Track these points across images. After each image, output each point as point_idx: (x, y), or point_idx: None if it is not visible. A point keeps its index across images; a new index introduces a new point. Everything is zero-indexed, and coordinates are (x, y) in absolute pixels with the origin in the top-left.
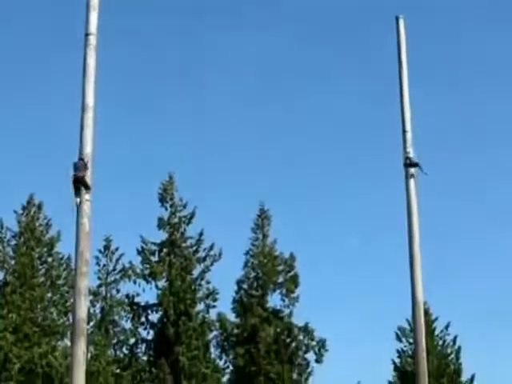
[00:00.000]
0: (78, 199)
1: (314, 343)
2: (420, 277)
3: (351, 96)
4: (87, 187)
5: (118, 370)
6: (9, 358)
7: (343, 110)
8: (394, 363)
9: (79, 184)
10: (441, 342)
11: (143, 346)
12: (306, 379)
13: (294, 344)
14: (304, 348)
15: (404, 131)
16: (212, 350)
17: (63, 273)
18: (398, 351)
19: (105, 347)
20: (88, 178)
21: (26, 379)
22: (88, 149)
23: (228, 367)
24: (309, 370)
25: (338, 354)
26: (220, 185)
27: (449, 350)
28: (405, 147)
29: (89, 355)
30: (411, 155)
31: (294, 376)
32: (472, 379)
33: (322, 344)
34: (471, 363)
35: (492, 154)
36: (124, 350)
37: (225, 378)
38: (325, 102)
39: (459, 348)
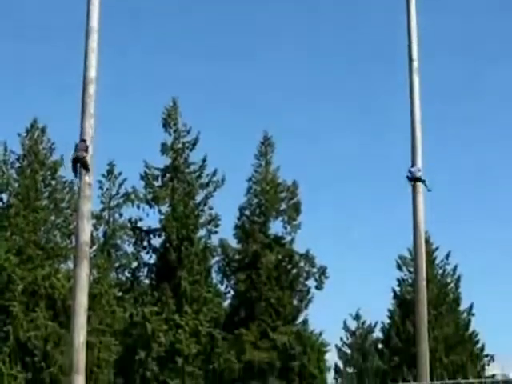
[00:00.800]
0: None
1: (314, 270)
2: (422, 205)
3: None
4: (87, 168)
5: (120, 293)
6: (12, 279)
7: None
8: (394, 292)
9: (79, 164)
10: (441, 272)
11: (145, 270)
12: (307, 305)
13: (294, 270)
14: (305, 275)
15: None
16: (213, 275)
17: (66, 196)
18: (398, 280)
19: (107, 270)
20: (88, 159)
21: (29, 300)
22: (92, 73)
23: (229, 292)
24: (309, 296)
25: (338, 281)
26: (224, 111)
27: (448, 279)
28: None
29: (91, 278)
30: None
31: (295, 302)
32: (471, 308)
33: (322, 271)
34: (470, 293)
35: None
36: (126, 273)
37: (226, 303)
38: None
39: (459, 277)
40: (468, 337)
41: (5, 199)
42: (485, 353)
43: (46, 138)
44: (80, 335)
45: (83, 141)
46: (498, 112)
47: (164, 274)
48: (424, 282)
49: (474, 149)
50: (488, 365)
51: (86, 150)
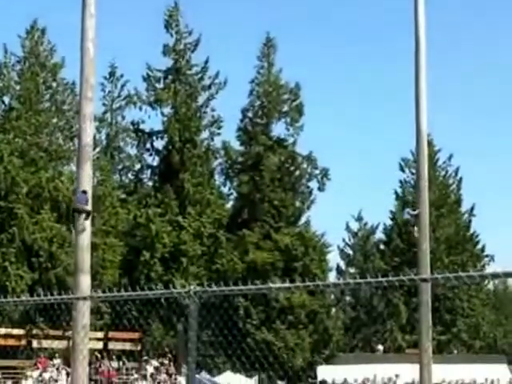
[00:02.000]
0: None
1: (317, 172)
2: (425, 107)
3: None
4: (87, 217)
5: (123, 196)
6: (16, 181)
7: None
8: (396, 193)
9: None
10: (443, 173)
11: (148, 172)
12: (309, 207)
13: (297, 172)
14: (307, 176)
15: None
16: (216, 177)
17: (68, 98)
18: (400, 181)
19: (110, 173)
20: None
21: (34, 203)
22: None
23: (232, 194)
24: (311, 198)
25: (341, 183)
26: (226, 12)
27: (450, 181)
28: None
29: (95, 180)
30: None
31: (297, 204)
32: (472, 209)
33: (324, 173)
34: (472, 194)
35: None
36: (129, 175)
37: (229, 205)
38: None
39: (461, 179)
40: (469, 237)
41: (6, 102)
42: (485, 253)
43: (46, 40)
44: (84, 236)
45: (84, 192)
46: None
47: (167, 176)
48: (426, 184)
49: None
50: (488, 265)
51: (87, 203)
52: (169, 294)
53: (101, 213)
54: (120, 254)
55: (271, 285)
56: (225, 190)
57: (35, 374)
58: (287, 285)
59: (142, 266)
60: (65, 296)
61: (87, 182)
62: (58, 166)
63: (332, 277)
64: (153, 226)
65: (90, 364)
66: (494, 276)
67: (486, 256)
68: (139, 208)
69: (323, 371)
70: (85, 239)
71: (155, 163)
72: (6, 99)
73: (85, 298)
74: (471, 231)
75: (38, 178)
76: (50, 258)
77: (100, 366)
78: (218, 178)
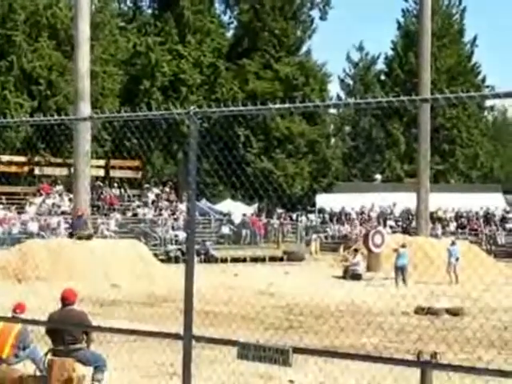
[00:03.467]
0: None
1: (318, 0)
2: None
3: None
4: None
5: (122, 23)
6: (13, 8)
7: None
8: (398, 23)
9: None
10: (446, 2)
11: (147, 0)
12: (310, 36)
13: (298, 0)
14: (309, 5)
15: None
16: (217, 5)
17: None
18: (402, 10)
19: (109, 0)
20: None
21: (32, 30)
22: None
23: (232, 23)
24: (313, 27)
25: (342, 13)
26: None
27: (454, 10)
28: None
29: (93, 8)
30: None
31: (298, 33)
32: (474, 39)
33: (326, 1)
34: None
35: None
36: (128, 3)
37: (229, 34)
38: None
39: (464, 8)
40: (470, 68)
41: None
42: (486, 84)
43: None
44: (84, 63)
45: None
46: None
47: (167, 3)
48: (429, 12)
49: None
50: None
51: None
52: (169, 115)
53: (99, 40)
54: (120, 82)
55: (271, 105)
56: (225, 18)
57: (38, 200)
58: (287, 105)
59: (142, 94)
60: (65, 117)
61: (86, 8)
62: None
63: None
64: (152, 55)
65: (91, 190)
66: (495, 96)
67: (487, 87)
68: (139, 36)
69: (322, 199)
70: (84, 66)
71: None
72: None
73: (85, 119)
74: (473, 62)
75: (35, 4)
76: (50, 85)
77: (102, 193)
78: (219, 7)
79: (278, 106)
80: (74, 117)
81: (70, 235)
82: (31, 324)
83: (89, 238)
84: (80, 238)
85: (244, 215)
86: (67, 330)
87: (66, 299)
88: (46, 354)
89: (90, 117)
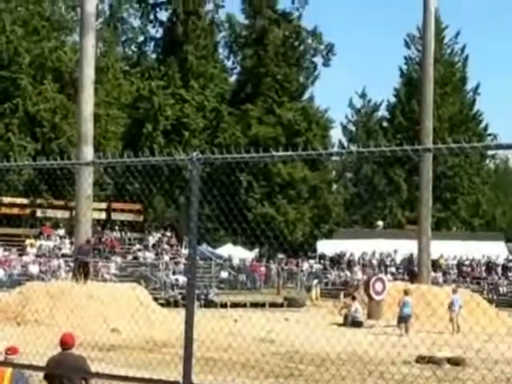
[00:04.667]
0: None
1: (322, 47)
2: None
3: None
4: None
5: (127, 68)
6: (19, 51)
7: None
8: (401, 70)
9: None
10: (449, 51)
11: (152, 45)
12: (313, 82)
13: (302, 47)
14: (312, 51)
15: None
16: (220, 50)
17: None
18: (405, 58)
19: (114, 44)
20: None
21: (37, 73)
22: None
23: (236, 68)
24: (316, 73)
25: (345, 59)
26: None
27: (456, 59)
28: None
29: (98, 52)
30: None
31: (301, 79)
32: (477, 88)
33: (329, 48)
34: (477, 73)
35: None
36: (133, 47)
37: (232, 79)
38: None
39: (467, 57)
40: (472, 116)
41: None
42: (488, 132)
43: None
44: (87, 107)
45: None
46: None
47: (170, 49)
48: (431, 60)
49: None
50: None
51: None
52: (171, 161)
53: (103, 84)
54: (123, 125)
55: (274, 153)
56: (228, 63)
57: (39, 242)
58: (290, 153)
59: (145, 138)
60: (68, 161)
61: (91, 52)
62: (61, 36)
63: None
64: (156, 99)
65: (92, 234)
66: (498, 147)
67: (489, 135)
68: (142, 80)
69: (323, 245)
70: (87, 109)
71: (159, 35)
72: None
73: (87, 163)
74: (475, 110)
75: (40, 47)
76: (53, 128)
77: (103, 236)
78: (222, 52)
79: (280, 153)
80: (76, 161)
81: (75, 259)
82: (25, 369)
83: (87, 268)
84: (79, 267)
85: (241, 260)
86: (66, 376)
87: (65, 343)
88: None
89: (93, 161)
